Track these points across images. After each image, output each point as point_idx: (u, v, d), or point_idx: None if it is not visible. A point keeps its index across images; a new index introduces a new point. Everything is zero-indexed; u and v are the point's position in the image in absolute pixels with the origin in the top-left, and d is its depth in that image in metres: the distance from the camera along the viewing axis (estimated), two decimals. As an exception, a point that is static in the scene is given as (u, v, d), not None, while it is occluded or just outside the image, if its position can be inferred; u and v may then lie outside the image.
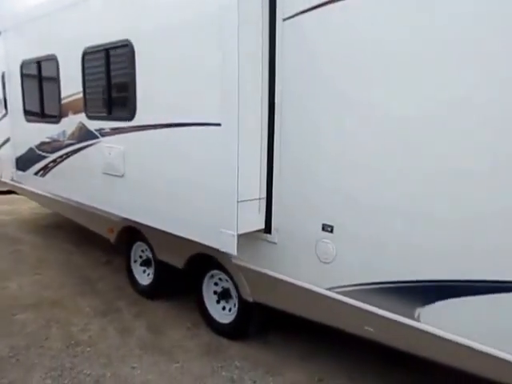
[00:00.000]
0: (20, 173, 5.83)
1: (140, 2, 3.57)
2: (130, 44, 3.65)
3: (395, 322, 2.72)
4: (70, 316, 4.43)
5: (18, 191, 7.45)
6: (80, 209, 5.35)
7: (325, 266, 3.03)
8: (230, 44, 2.83)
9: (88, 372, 3.53)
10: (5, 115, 7.05)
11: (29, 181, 5.83)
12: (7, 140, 6.91)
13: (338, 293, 2.99)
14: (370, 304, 2.84)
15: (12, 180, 6.99)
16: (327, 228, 2.97)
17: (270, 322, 4.05)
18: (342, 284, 2.96)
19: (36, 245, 6.73)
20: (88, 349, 3.86)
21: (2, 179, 7.60)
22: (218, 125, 2.99)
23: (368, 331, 2.89)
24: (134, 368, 3.61)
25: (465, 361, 2.51)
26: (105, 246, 5.85)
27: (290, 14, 2.96)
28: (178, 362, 3.67)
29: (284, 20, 2.99)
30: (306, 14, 2.88)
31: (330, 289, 3.03)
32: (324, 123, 2.88)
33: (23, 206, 9.06)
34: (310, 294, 3.13)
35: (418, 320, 2.64)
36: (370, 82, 2.65)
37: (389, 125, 2.60)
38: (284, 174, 3.14)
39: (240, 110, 2.87)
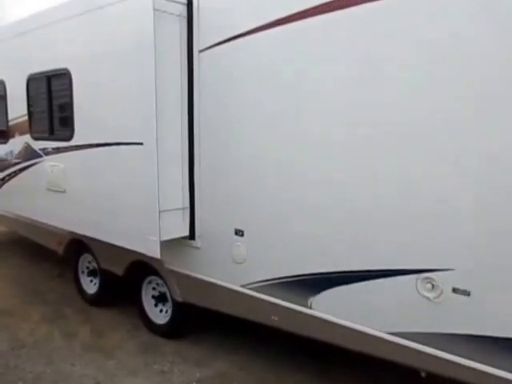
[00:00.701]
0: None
1: (76, 36, 3.96)
2: (68, 72, 4.04)
3: (294, 310, 3.16)
4: (17, 322, 4.69)
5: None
6: (30, 224, 5.62)
7: (238, 266, 3.45)
8: (148, 73, 3.26)
9: (31, 370, 3.83)
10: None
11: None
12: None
13: (250, 289, 3.41)
14: (275, 297, 3.26)
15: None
16: (239, 232, 3.40)
17: (202, 322, 4.42)
18: (253, 281, 3.38)
19: (-12, 260, 6.91)
20: (33, 350, 4.15)
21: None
22: (141, 144, 3.40)
23: (274, 320, 3.32)
24: (73, 365, 3.92)
25: (346, 339, 2.96)
26: (57, 260, 6.13)
27: (204, 47, 3.42)
28: (115, 359, 4.00)
29: (200, 52, 3.45)
30: (216, 47, 3.35)
31: (243, 286, 3.45)
32: (230, 143, 3.35)
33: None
34: (228, 291, 3.54)
35: (310, 308, 3.08)
36: (267, 104, 3.12)
37: (284, 141, 3.07)
38: (203, 186, 3.58)
39: (159, 131, 3.29)
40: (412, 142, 2.53)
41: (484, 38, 2.25)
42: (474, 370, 2.44)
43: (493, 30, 2.23)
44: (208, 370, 3.83)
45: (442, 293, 2.51)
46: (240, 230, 3.39)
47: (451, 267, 2.47)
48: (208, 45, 3.40)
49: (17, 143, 4.90)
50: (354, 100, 2.71)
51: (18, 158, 4.93)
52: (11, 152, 5.01)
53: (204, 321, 4.43)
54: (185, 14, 3.45)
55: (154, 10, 3.17)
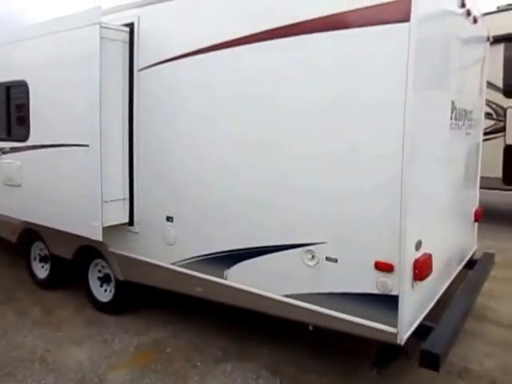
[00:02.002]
0: None
1: (34, 54, 4.49)
2: (26, 83, 4.55)
3: (213, 282, 3.81)
4: (-30, 305, 5.09)
5: None
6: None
7: (169, 247, 4.08)
8: (94, 87, 3.84)
9: (-15, 343, 4.28)
10: None
11: None
12: None
13: (179, 266, 4.04)
14: (199, 271, 3.91)
15: None
16: (169, 219, 4.03)
17: (140, 298, 4.98)
18: (181, 259, 4.02)
19: None
20: (-13, 327, 4.59)
21: None
22: (87, 146, 3.97)
23: (199, 291, 3.96)
24: (25, 337, 4.41)
25: (253, 303, 3.64)
26: (10, 250, 6.50)
27: (142, 67, 4.06)
28: (62, 332, 4.51)
29: (139, 71, 4.08)
30: (151, 68, 3.99)
31: (173, 263, 4.07)
32: (160, 146, 4.02)
33: None
34: (161, 269, 4.16)
35: (226, 279, 3.74)
36: (185, 114, 3.83)
37: (197, 145, 3.74)
38: (140, 180, 4.20)
39: (102, 135, 3.88)
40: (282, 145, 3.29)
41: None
42: (346, 321, 3.14)
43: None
44: (145, 338, 4.40)
45: (319, 261, 3.24)
46: (170, 217, 4.02)
47: (324, 241, 3.20)
48: (145, 65, 4.05)
49: (-26, 143, 5.30)
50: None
51: (-25, 156, 5.33)
52: (-31, 151, 5.40)
53: (142, 297, 4.99)
54: (127, 40, 4.07)
55: (101, 37, 3.77)
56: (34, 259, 5.73)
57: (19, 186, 4.80)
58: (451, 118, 3.48)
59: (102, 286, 4.98)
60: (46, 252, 5.49)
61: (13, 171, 4.82)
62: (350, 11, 2.89)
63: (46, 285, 5.54)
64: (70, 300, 5.23)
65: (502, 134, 7.88)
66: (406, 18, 2.68)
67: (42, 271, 5.64)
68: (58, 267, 5.37)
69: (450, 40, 3.45)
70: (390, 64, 2.80)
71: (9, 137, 4.91)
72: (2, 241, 6.40)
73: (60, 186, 4.34)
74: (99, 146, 3.87)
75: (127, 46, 4.11)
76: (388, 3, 2.74)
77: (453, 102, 3.47)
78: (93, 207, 3.98)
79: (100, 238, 4.01)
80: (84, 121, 3.99)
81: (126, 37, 4.10)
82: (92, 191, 3.97)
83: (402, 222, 2.85)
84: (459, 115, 3.64)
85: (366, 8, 2.81)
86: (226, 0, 3.59)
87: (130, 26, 4.10)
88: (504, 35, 6.73)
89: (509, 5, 8.27)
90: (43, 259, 5.62)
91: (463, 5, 3.38)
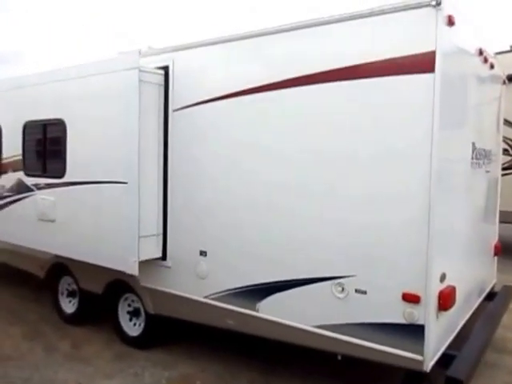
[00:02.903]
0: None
1: (73, 94, 5.15)
2: (63, 122, 5.20)
3: (245, 314, 4.30)
4: (1, 340, 5.61)
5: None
6: (12, 251, 6.60)
7: (202, 281, 4.60)
8: (132, 124, 4.46)
9: (19, 376, 4.76)
10: None
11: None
12: None
13: (211, 299, 4.54)
14: (230, 304, 4.40)
15: None
16: (203, 253, 4.56)
17: (170, 333, 5.47)
18: (213, 292, 4.52)
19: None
20: (19, 362, 5.09)
21: None
22: (125, 183, 4.56)
23: (230, 324, 4.45)
24: (56, 372, 4.89)
25: (284, 334, 4.12)
26: (33, 285, 7.10)
27: (177, 108, 4.68)
28: (93, 366, 4.99)
29: (173, 111, 4.70)
30: (185, 110, 4.62)
31: (205, 297, 4.58)
32: (196, 182, 4.58)
33: None
34: (193, 302, 4.66)
35: (258, 311, 4.23)
36: (222, 155, 4.39)
37: (240, 182, 4.31)
38: (174, 217, 4.76)
39: (141, 173, 4.47)
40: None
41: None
42: (375, 350, 3.61)
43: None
44: (174, 372, 4.87)
45: (348, 293, 3.73)
46: (204, 252, 4.56)
47: (354, 274, 3.69)
48: (179, 106, 4.68)
49: (9, 178, 5.96)
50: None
51: (9, 192, 5.97)
52: (3, 186, 6.05)
53: (171, 332, 5.48)
54: (162, 82, 4.72)
55: (139, 81, 4.40)
56: (62, 294, 6.28)
57: (53, 221, 5.39)
58: (472, 158, 4.01)
59: (131, 320, 5.49)
60: (74, 287, 6.04)
61: (47, 207, 5.43)
62: (379, 61, 3.48)
63: (74, 320, 6.06)
64: (97, 334, 5.74)
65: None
66: (431, 69, 3.27)
67: (69, 306, 6.18)
68: (87, 302, 5.90)
69: (469, 85, 4.02)
70: (418, 110, 3.36)
71: (44, 173, 5.54)
72: (24, 276, 6.99)
73: (96, 221, 4.93)
74: (137, 184, 4.46)
75: (162, 87, 4.75)
76: (415, 55, 3.33)
77: (473, 143, 4.01)
78: (130, 242, 4.54)
79: (136, 273, 4.55)
80: (122, 159, 4.60)
81: (162, 79, 4.75)
82: (129, 227, 4.53)
83: (428, 256, 3.34)
84: (479, 154, 4.17)
85: (394, 59, 3.41)
86: (254, 51, 4.22)
87: (165, 68, 4.76)
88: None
89: None
90: (71, 294, 6.17)
91: (481, 53, 3.98)
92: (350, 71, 3.61)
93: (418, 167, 3.38)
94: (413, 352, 3.43)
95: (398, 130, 3.46)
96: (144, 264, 4.68)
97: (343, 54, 3.66)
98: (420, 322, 3.41)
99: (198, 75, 4.56)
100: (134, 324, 5.47)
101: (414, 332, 3.43)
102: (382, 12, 3.49)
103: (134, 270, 4.57)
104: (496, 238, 5.40)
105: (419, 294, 3.40)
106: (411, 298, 3.43)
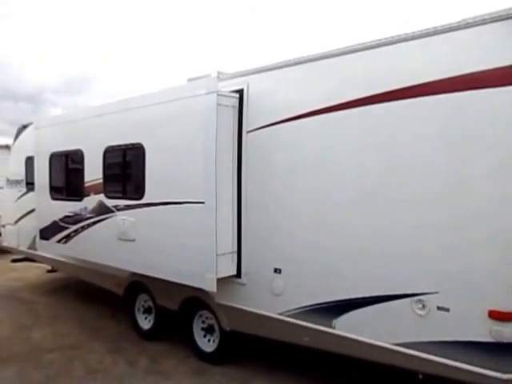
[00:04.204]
0: (43, 241, 7.45)
1: (151, 119, 5.40)
2: (142, 146, 5.46)
3: (321, 331, 4.29)
4: (86, 354, 5.89)
5: (36, 258, 8.97)
6: (92, 269, 6.93)
7: (276, 298, 4.64)
8: (210, 150, 4.62)
9: (106, 387, 5.00)
10: (25, 193, 8.81)
11: (50, 248, 7.43)
12: (26, 214, 8.64)
13: (286, 316, 4.56)
14: (306, 321, 4.41)
15: (29, 248, 8.61)
16: (277, 270, 4.62)
17: (244, 349, 5.53)
18: (288, 309, 4.55)
19: (48, 304, 8.23)
20: (105, 375, 5.32)
21: (20, 248, 9.16)
22: (203, 203, 4.71)
23: (306, 340, 4.45)
24: (140, 384, 5.08)
25: (362, 352, 4.07)
26: (108, 302, 7.40)
27: (251, 129, 4.81)
28: (172, 380, 5.13)
29: (247, 132, 4.83)
30: (258, 131, 4.73)
31: (280, 313, 4.61)
32: (271, 201, 4.64)
33: (28, 273, 10.59)
34: (268, 319, 4.70)
35: (334, 328, 4.21)
36: (300, 175, 4.44)
37: (314, 203, 4.35)
38: (248, 234, 4.85)
39: (217, 192, 4.60)
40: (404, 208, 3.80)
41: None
42: (458, 368, 3.50)
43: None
44: (251, 388, 4.93)
45: (430, 310, 3.65)
46: (278, 269, 4.60)
47: (436, 291, 3.62)
48: (252, 128, 4.79)
49: (91, 201, 6.30)
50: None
51: (91, 213, 6.30)
52: (85, 208, 6.40)
53: (245, 348, 5.54)
54: (236, 105, 4.87)
55: (217, 104, 4.58)
56: (138, 311, 6.51)
57: (133, 240, 5.63)
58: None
59: (205, 336, 5.60)
60: (150, 304, 6.25)
61: (127, 227, 5.68)
62: (465, 75, 3.45)
63: (150, 335, 6.26)
64: (173, 350, 5.89)
65: None
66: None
67: (145, 322, 6.39)
68: (163, 318, 6.09)
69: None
70: (503, 122, 3.33)
71: (124, 195, 5.81)
72: (99, 293, 7.32)
73: (174, 240, 5.10)
74: (214, 203, 4.59)
75: (237, 110, 4.90)
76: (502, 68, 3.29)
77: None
78: (208, 260, 4.66)
79: (215, 289, 4.66)
80: (200, 180, 4.75)
81: (236, 102, 4.90)
82: (207, 245, 4.67)
83: (515, 272, 3.24)
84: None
85: (478, 72, 3.39)
86: (326, 71, 4.30)
87: (240, 91, 4.91)
88: None
89: None
90: (147, 311, 6.39)
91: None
92: (432, 86, 3.59)
93: (506, 186, 3.31)
94: (502, 372, 3.30)
95: (481, 146, 3.41)
96: (219, 281, 4.76)
97: (425, 70, 3.65)
98: (510, 340, 3.28)
99: (271, 97, 4.67)
100: (209, 340, 5.57)
101: (503, 351, 3.31)
102: (467, 26, 3.46)
103: (212, 286, 4.68)
104: None
105: (508, 311, 3.29)
106: (499, 316, 3.31)
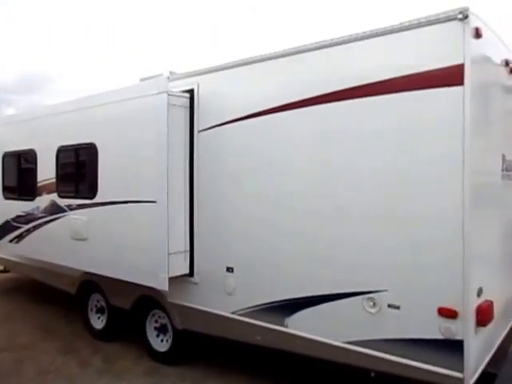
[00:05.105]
0: (-5, 242, 6.75)
1: (104, 119, 4.89)
2: (95, 146, 4.94)
3: (274, 330, 3.90)
4: (38, 355, 5.27)
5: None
6: (45, 269, 6.28)
7: (229, 297, 4.22)
8: (161, 146, 4.17)
9: (57, 389, 4.42)
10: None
11: (2, 248, 6.72)
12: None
13: (239, 315, 4.15)
14: (259, 320, 4.01)
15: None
16: (230, 269, 4.20)
17: (198, 349, 5.07)
18: (241, 308, 4.14)
19: (0, 305, 7.45)
20: (56, 376, 4.76)
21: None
22: (154, 202, 4.25)
23: (258, 340, 4.05)
24: (91, 385, 4.53)
25: (313, 350, 3.71)
26: (61, 303, 6.79)
27: (202, 129, 4.40)
28: (125, 380, 4.62)
29: (199, 132, 4.41)
30: (209, 130, 4.33)
31: (233, 312, 4.19)
32: (222, 200, 4.24)
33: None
34: (220, 318, 4.28)
35: (286, 327, 3.84)
36: (249, 175, 4.05)
37: (262, 201, 3.96)
38: (201, 233, 4.41)
39: (169, 192, 4.15)
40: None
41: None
42: (409, 366, 3.18)
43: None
44: (204, 387, 4.48)
45: (380, 308, 3.33)
46: (230, 268, 4.19)
47: (386, 289, 3.30)
48: (204, 127, 4.38)
49: (44, 200, 5.69)
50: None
51: (43, 213, 5.69)
52: (37, 208, 5.77)
53: (197, 348, 5.08)
54: (188, 105, 4.45)
55: (168, 104, 4.14)
56: (91, 310, 5.92)
57: (86, 239, 5.08)
58: (502, 170, 3.64)
59: (158, 336, 5.10)
60: (103, 303, 5.68)
61: (80, 226, 5.12)
62: (408, 76, 3.15)
63: (103, 336, 5.68)
64: (127, 350, 5.35)
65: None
66: (460, 82, 2.95)
67: (98, 322, 5.81)
68: (115, 318, 5.53)
69: (497, 97, 3.66)
70: (448, 123, 3.02)
71: (76, 195, 5.24)
72: (52, 293, 6.67)
73: (127, 239, 4.59)
74: (166, 202, 4.13)
75: (188, 109, 4.46)
76: (444, 68, 3.01)
77: (503, 155, 3.64)
78: (160, 259, 4.19)
79: (166, 288, 4.19)
80: (151, 179, 4.29)
81: (187, 102, 4.46)
82: (159, 244, 4.19)
83: (464, 269, 2.95)
84: (509, 166, 3.79)
85: (423, 73, 3.09)
86: (278, 71, 3.92)
87: (191, 92, 4.48)
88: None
89: None
90: (100, 310, 5.81)
91: (507, 64, 3.65)
92: (379, 86, 3.28)
93: (451, 182, 3.01)
94: (452, 369, 3.01)
95: (429, 144, 3.11)
96: (172, 280, 4.31)
97: (372, 70, 3.33)
98: (458, 337, 3.00)
99: (220, 97, 4.28)
100: (162, 340, 5.08)
101: (452, 348, 3.02)
102: (410, 27, 3.18)
103: (164, 285, 4.21)
104: None
105: (456, 308, 3.00)
106: (448, 313, 3.02)
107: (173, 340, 4.90)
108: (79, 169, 5.29)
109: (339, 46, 3.52)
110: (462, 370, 2.98)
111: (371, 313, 3.37)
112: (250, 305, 4.07)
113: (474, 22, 3.01)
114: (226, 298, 4.24)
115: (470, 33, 2.97)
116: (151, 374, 4.76)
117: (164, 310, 4.88)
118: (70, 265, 5.44)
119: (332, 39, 3.55)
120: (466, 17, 2.95)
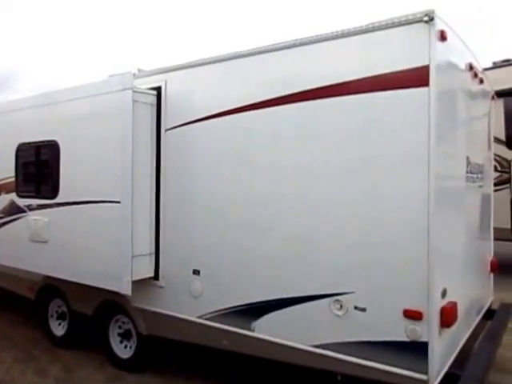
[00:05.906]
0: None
1: (66, 116, 4.81)
2: (56, 143, 4.84)
3: (241, 334, 3.91)
4: (-8, 364, 5.12)
5: None
6: (2, 273, 6.10)
7: (195, 300, 4.20)
8: (126, 144, 4.14)
9: (11, 401, 4.29)
10: None
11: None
12: None
13: (205, 319, 4.14)
14: (226, 324, 4.00)
15: None
16: (196, 272, 4.19)
17: (163, 355, 5.03)
18: (208, 312, 4.12)
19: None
20: (11, 386, 4.62)
21: None
22: (118, 202, 4.20)
23: (225, 344, 4.04)
24: (48, 396, 4.42)
25: (280, 354, 3.73)
26: (19, 309, 6.63)
27: (169, 127, 4.38)
28: (85, 390, 4.54)
29: (166, 130, 4.40)
30: (176, 129, 4.32)
31: (199, 316, 4.17)
32: (188, 201, 4.24)
33: None
34: (186, 322, 4.25)
35: (253, 331, 3.85)
36: (215, 175, 4.06)
37: (224, 204, 3.97)
38: (166, 235, 4.39)
39: (134, 192, 4.12)
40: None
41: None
42: (375, 368, 3.24)
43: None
44: (167, 396, 4.43)
45: (347, 311, 3.38)
46: (197, 270, 4.18)
47: (352, 291, 3.36)
48: (171, 126, 4.37)
49: (1, 200, 5.55)
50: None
51: (1, 213, 5.54)
52: (-5, 208, 5.63)
53: (162, 354, 5.03)
54: (154, 102, 4.43)
55: (133, 101, 4.11)
56: (52, 316, 5.78)
57: (46, 241, 4.97)
58: (467, 172, 3.76)
59: (122, 342, 5.03)
60: (64, 309, 5.56)
61: (40, 227, 5.01)
62: (374, 77, 3.23)
63: (64, 343, 5.55)
64: (89, 358, 5.23)
65: (506, 185, 8.18)
66: (425, 83, 3.04)
67: (59, 329, 5.67)
68: (77, 324, 5.42)
69: (461, 100, 3.79)
70: (414, 124, 3.11)
71: (37, 194, 5.12)
72: (10, 299, 6.48)
73: (89, 241, 4.52)
74: (130, 203, 4.10)
75: (155, 107, 4.45)
76: (410, 70, 3.09)
77: (467, 157, 3.76)
78: (123, 262, 4.14)
79: (129, 292, 4.14)
80: (115, 178, 4.24)
81: (154, 99, 4.45)
82: (122, 246, 4.14)
83: (429, 271, 3.03)
84: (473, 169, 3.92)
85: (389, 74, 3.17)
86: (243, 71, 3.96)
87: (158, 89, 4.46)
88: (503, 90, 7.10)
89: (504, 61, 8.83)
90: (60, 316, 5.68)
91: (471, 68, 3.79)
92: (347, 87, 3.34)
93: (415, 182, 3.09)
94: (417, 371, 3.07)
95: (394, 145, 3.19)
96: (136, 284, 4.26)
97: (340, 70, 3.40)
98: (423, 339, 3.07)
99: (187, 96, 4.27)
100: (126, 346, 5.00)
101: (417, 350, 3.08)
102: (376, 28, 3.26)
103: (127, 289, 4.16)
104: (491, 254, 5.09)
105: (421, 310, 3.08)
106: (413, 315, 3.09)
107: (137, 346, 4.83)
108: (40, 167, 5.16)
109: (307, 46, 3.57)
110: (426, 372, 3.05)
111: (338, 315, 3.42)
112: (217, 308, 4.06)
113: (439, 25, 3.11)
114: (193, 302, 4.22)
115: (435, 35, 3.06)
116: (113, 381, 4.68)
117: (128, 314, 4.81)
118: (29, 268, 5.30)
119: (300, 39, 3.59)
120: (432, 19, 3.04)
